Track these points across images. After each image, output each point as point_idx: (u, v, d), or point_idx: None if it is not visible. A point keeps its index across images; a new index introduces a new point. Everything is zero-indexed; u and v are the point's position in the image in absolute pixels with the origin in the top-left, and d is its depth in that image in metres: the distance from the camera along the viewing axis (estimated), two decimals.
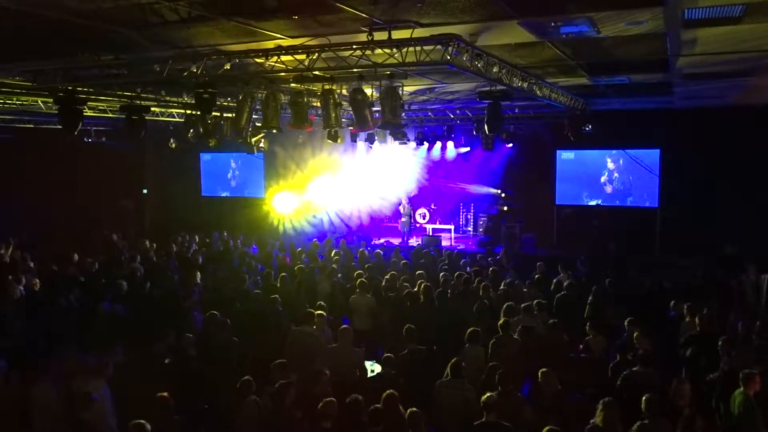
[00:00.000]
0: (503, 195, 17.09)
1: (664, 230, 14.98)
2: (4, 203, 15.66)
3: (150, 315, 8.63)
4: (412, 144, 15.68)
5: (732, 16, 5.85)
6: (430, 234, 17.20)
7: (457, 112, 14.62)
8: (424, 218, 18.19)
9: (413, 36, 6.22)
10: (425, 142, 15.72)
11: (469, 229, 18.48)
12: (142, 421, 5.04)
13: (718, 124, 13.41)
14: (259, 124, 11.26)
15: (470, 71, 6.94)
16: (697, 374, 6.76)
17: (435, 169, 17.52)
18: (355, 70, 7.03)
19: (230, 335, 7.61)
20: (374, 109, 8.28)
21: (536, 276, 10.32)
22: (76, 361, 6.63)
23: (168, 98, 11.59)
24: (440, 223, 17.97)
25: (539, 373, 6.20)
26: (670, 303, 8.76)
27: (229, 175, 20.55)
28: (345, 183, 17.36)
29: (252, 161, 18.94)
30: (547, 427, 4.92)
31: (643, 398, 5.35)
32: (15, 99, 11.24)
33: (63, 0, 5.34)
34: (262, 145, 15.38)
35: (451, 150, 16.94)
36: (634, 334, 7.19)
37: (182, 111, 12.93)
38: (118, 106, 11.03)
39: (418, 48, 6.26)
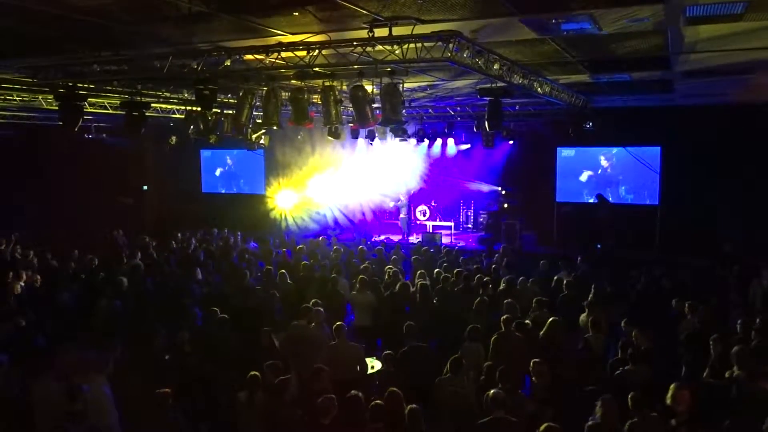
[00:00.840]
0: (504, 192, 17.09)
1: (665, 228, 14.98)
2: (4, 200, 15.66)
3: (150, 311, 8.63)
4: (413, 141, 15.67)
5: (733, 13, 5.84)
6: (431, 231, 17.20)
7: (458, 109, 14.60)
8: (424, 215, 18.19)
9: (414, 33, 6.21)
10: (426, 139, 15.71)
11: (470, 226, 18.49)
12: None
13: (719, 121, 13.39)
14: (260, 121, 11.25)
15: (471, 68, 6.93)
16: (696, 373, 6.75)
17: (435, 166, 17.51)
18: (355, 66, 7.03)
19: (230, 332, 7.62)
20: (375, 105, 8.27)
21: (539, 273, 10.33)
22: (76, 357, 6.64)
23: (168, 95, 11.58)
24: (440, 220, 17.97)
25: (531, 365, 6.23)
26: (669, 301, 8.76)
27: (218, 172, 20.52)
28: (345, 180, 17.36)
29: (252, 158, 18.94)
30: (545, 424, 4.93)
31: (629, 396, 5.38)
32: (15, 95, 11.24)
33: None
34: (262, 141, 15.38)
35: (452, 147, 16.93)
36: (633, 333, 7.19)
37: (183, 107, 12.93)
38: (119, 102, 11.02)
39: (419, 44, 6.25)
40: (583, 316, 8.27)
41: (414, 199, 17.82)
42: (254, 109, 9.31)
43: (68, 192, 17.30)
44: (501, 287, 9.47)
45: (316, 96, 10.08)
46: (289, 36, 6.81)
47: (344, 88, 9.72)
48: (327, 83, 8.14)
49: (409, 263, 11.97)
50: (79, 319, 8.69)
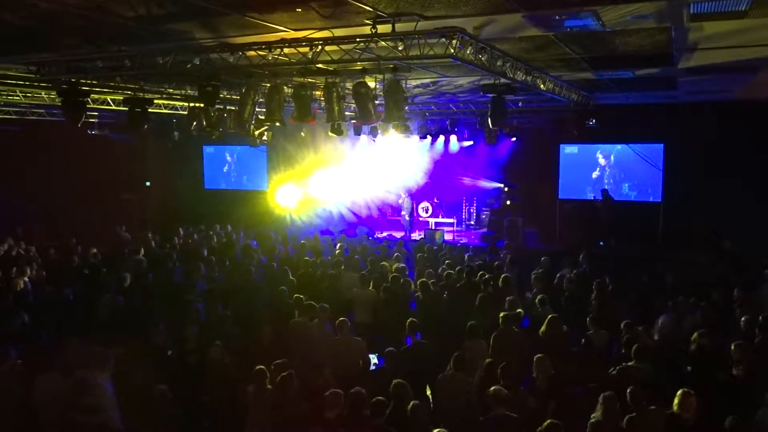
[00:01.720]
0: (506, 189, 17.07)
1: (667, 225, 14.96)
2: (7, 195, 15.70)
3: (152, 307, 8.66)
4: (416, 138, 15.66)
5: (738, 10, 5.82)
6: (433, 228, 17.20)
7: (461, 105, 14.59)
8: (426, 212, 18.18)
9: (417, 29, 6.20)
10: (428, 136, 15.68)
11: (472, 223, 18.48)
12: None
13: (723, 118, 13.35)
14: (263, 117, 11.26)
15: (474, 64, 6.92)
16: (700, 371, 6.75)
17: (438, 162, 17.48)
18: (358, 63, 7.02)
19: (233, 328, 7.64)
20: (377, 102, 8.27)
21: (540, 270, 10.32)
22: (79, 352, 6.67)
23: (171, 91, 11.59)
24: (443, 217, 17.96)
25: (533, 360, 6.24)
26: (672, 297, 8.75)
27: (225, 169, 20.56)
28: (348, 176, 17.36)
29: (255, 154, 18.95)
30: (548, 421, 4.95)
31: (628, 391, 5.39)
32: (18, 91, 11.26)
33: None
34: (265, 138, 15.38)
35: (455, 144, 16.90)
36: (637, 330, 7.18)
37: (185, 104, 12.93)
38: (122, 98, 11.05)
39: (422, 41, 6.24)
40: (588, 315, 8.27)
41: (416, 196, 17.80)
42: (257, 106, 9.32)
43: (71, 188, 17.34)
44: (502, 284, 9.45)
45: (318, 92, 10.08)
46: (292, 32, 6.81)
47: (347, 84, 9.72)
48: (330, 80, 8.14)
49: (411, 260, 11.99)
50: (82, 314, 8.72)
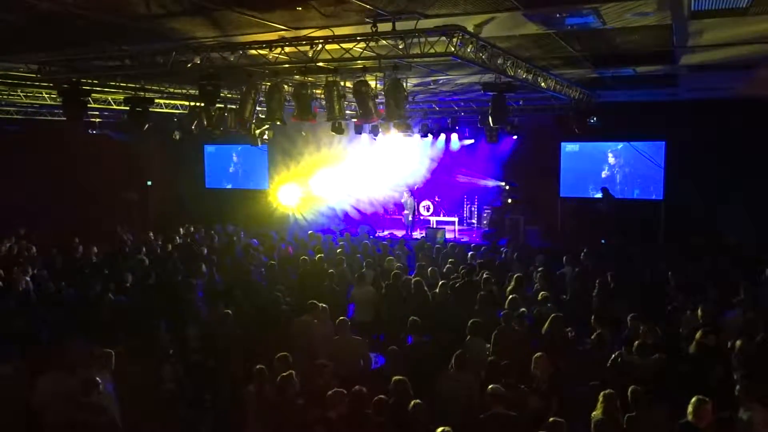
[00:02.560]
0: (507, 187, 17.05)
1: (669, 222, 14.95)
2: (8, 195, 15.71)
3: (154, 307, 8.66)
4: (417, 136, 15.64)
5: (739, 7, 5.81)
6: (434, 226, 17.20)
7: (462, 104, 14.57)
8: (428, 210, 18.17)
9: (417, 27, 6.19)
10: (429, 135, 15.68)
11: (473, 221, 18.47)
12: None
13: (724, 115, 13.33)
14: (263, 116, 11.25)
15: (475, 63, 6.90)
16: (699, 368, 6.74)
17: (439, 161, 17.48)
18: (359, 62, 7.01)
19: (234, 327, 7.65)
20: (378, 101, 8.26)
21: (539, 269, 10.31)
22: (81, 352, 6.68)
23: (172, 90, 11.59)
24: (444, 216, 17.96)
25: (532, 359, 6.23)
26: (673, 295, 8.74)
27: (231, 169, 20.57)
28: (349, 175, 17.36)
29: (256, 153, 18.96)
30: (551, 419, 4.94)
31: (629, 390, 5.37)
32: (19, 91, 11.27)
33: None
34: (266, 136, 15.36)
35: (456, 142, 16.90)
36: (640, 328, 7.17)
37: (186, 103, 12.93)
38: (123, 98, 11.05)
39: (423, 39, 6.23)
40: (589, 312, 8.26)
41: (418, 195, 17.80)
42: (258, 105, 9.31)
43: (72, 187, 17.35)
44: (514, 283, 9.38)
45: (319, 91, 10.07)
46: (293, 31, 6.80)
47: (348, 83, 9.72)
48: (330, 78, 8.13)
49: (413, 258, 11.99)
50: (83, 314, 8.73)
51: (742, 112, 13.25)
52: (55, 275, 10.57)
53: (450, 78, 10.75)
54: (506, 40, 7.43)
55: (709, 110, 13.60)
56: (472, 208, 18.52)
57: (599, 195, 15.63)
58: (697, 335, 6.92)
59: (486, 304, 8.27)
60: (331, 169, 17.40)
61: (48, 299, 9.19)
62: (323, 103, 8.47)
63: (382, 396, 5.46)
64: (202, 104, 10.65)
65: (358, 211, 17.96)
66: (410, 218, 17.34)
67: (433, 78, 10.76)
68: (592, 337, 7.48)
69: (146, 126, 9.97)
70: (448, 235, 16.42)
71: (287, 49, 6.97)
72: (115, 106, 12.80)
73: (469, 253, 12.28)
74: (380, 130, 14.67)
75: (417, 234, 17.02)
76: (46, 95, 11.58)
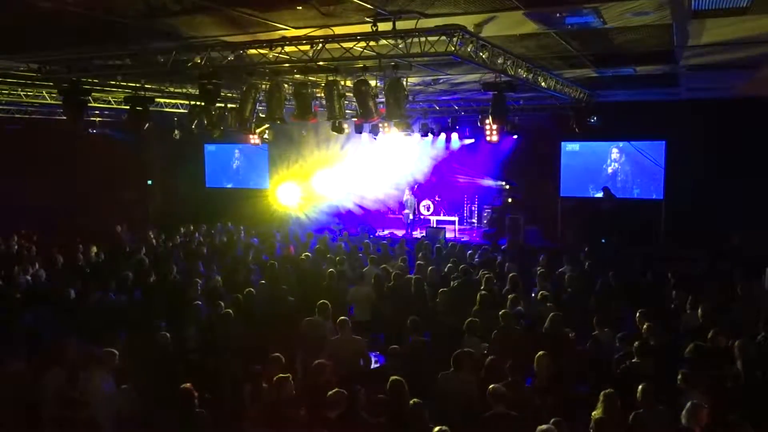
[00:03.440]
0: (508, 187, 17.05)
1: (669, 222, 14.94)
2: (8, 194, 15.72)
3: (155, 306, 8.67)
4: (417, 136, 15.64)
5: (739, 7, 5.81)
6: (434, 226, 17.20)
7: (462, 103, 14.57)
8: (428, 210, 18.18)
9: (418, 27, 6.19)
10: (430, 134, 15.68)
11: (474, 221, 18.47)
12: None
13: (724, 115, 13.33)
14: (263, 116, 11.25)
15: (475, 62, 6.90)
16: (698, 368, 6.73)
17: (439, 160, 17.49)
18: (359, 61, 7.01)
19: (234, 326, 7.65)
20: (378, 100, 8.26)
21: (540, 269, 10.31)
22: (81, 351, 6.69)
23: (172, 89, 11.59)
24: (445, 215, 17.96)
25: (535, 359, 6.23)
26: (672, 295, 8.74)
27: (235, 165, 20.58)
28: (349, 174, 17.36)
29: (256, 152, 18.96)
30: (553, 419, 4.93)
31: (639, 387, 5.36)
32: (20, 90, 11.27)
33: None
34: (266, 136, 15.38)
35: (456, 141, 16.90)
36: (644, 326, 7.16)
37: (186, 102, 12.93)
38: (123, 97, 11.05)
39: (423, 39, 6.23)
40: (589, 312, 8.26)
41: (418, 194, 17.80)
42: (258, 104, 9.31)
43: (73, 186, 17.36)
44: (509, 284, 9.40)
45: (319, 90, 10.08)
46: (293, 30, 6.81)
47: (348, 83, 9.72)
48: (331, 78, 8.13)
49: (412, 258, 11.99)
50: (83, 313, 8.73)
51: (742, 112, 13.26)
52: (55, 275, 10.58)
53: (450, 77, 10.75)
54: (506, 40, 7.42)
55: (709, 110, 13.60)
56: (473, 208, 18.52)
57: (600, 194, 15.62)
58: (710, 334, 6.91)
59: (486, 303, 8.27)
60: (331, 168, 17.40)
61: (48, 299, 9.18)
62: (323, 102, 8.46)
63: (381, 396, 5.46)
64: (203, 103, 10.65)
65: (359, 209, 17.96)
66: (411, 217, 17.35)
67: (433, 77, 10.76)
68: (592, 335, 7.51)
69: (146, 125, 9.96)
70: (449, 235, 16.42)
71: (287, 49, 6.97)
72: (115, 106, 12.80)
73: (469, 253, 12.29)
74: (380, 129, 14.68)
75: (417, 233, 17.03)
76: (46, 94, 11.58)
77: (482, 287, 8.97)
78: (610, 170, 16.21)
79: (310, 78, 9.31)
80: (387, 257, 11.72)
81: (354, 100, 8.26)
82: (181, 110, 13.79)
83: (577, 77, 10.85)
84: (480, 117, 14.09)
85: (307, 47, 6.81)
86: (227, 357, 7.19)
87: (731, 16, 6.21)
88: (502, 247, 13.27)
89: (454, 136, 16.58)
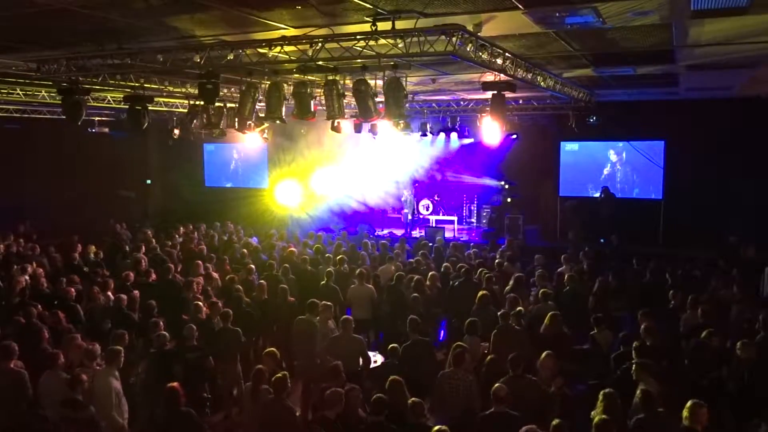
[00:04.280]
0: (507, 186, 17.03)
1: (668, 222, 14.95)
2: (7, 193, 15.71)
3: (153, 305, 8.65)
4: (416, 135, 15.62)
5: (739, 7, 5.80)
6: (434, 225, 17.19)
7: (461, 103, 14.55)
8: (427, 210, 18.17)
9: (417, 26, 6.19)
10: (429, 134, 15.66)
11: (473, 220, 18.46)
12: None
13: (724, 115, 13.32)
14: (263, 115, 11.23)
15: (474, 62, 6.90)
16: (698, 367, 6.74)
17: (438, 160, 17.46)
18: (358, 60, 7.01)
19: (233, 325, 7.64)
20: (378, 99, 8.25)
21: (538, 268, 10.31)
22: (81, 350, 6.68)
23: (172, 88, 11.58)
24: (444, 215, 17.95)
25: (539, 360, 6.23)
26: (671, 294, 8.74)
27: (233, 166, 20.56)
28: (348, 174, 17.34)
29: (256, 152, 18.93)
30: (556, 420, 4.92)
31: (639, 391, 5.35)
32: (18, 89, 11.26)
33: None
34: (265, 135, 15.34)
35: (455, 141, 16.87)
36: (642, 326, 7.16)
37: (186, 101, 12.92)
38: (122, 96, 11.04)
39: (422, 38, 6.23)
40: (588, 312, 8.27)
41: (417, 194, 17.79)
42: (257, 103, 9.31)
43: (72, 186, 17.34)
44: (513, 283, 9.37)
45: (318, 90, 10.07)
46: (292, 30, 6.80)
47: (347, 82, 9.71)
48: (330, 77, 8.13)
49: (408, 256, 11.99)
50: (83, 312, 8.73)
51: (742, 112, 13.26)
52: (54, 273, 10.56)
53: (449, 77, 10.74)
54: (506, 40, 7.42)
55: (709, 110, 13.59)
56: (472, 207, 18.51)
57: (599, 194, 15.62)
58: (704, 335, 6.91)
59: (485, 303, 8.28)
60: (330, 168, 17.38)
61: (47, 298, 9.17)
62: (323, 101, 8.46)
63: (380, 395, 5.46)
64: (202, 103, 10.63)
65: (358, 209, 17.94)
66: (410, 216, 17.33)
67: (432, 76, 10.75)
68: (591, 335, 7.51)
69: (145, 124, 9.95)
70: (448, 234, 16.41)
71: (287, 48, 6.96)
72: (114, 105, 12.78)
73: (467, 252, 12.29)
74: (380, 129, 14.64)
75: (416, 233, 17.02)
76: (45, 93, 11.57)
77: (482, 287, 8.97)
78: (609, 170, 16.21)
79: (309, 77, 9.30)
80: (386, 257, 11.70)
81: (353, 99, 8.25)
82: (181, 109, 13.77)
83: (576, 77, 10.84)
84: (479, 116, 14.07)
85: (307, 46, 6.80)
86: (226, 357, 7.20)
87: (731, 16, 6.21)
88: (501, 246, 13.24)
89: (454, 135, 16.55)
